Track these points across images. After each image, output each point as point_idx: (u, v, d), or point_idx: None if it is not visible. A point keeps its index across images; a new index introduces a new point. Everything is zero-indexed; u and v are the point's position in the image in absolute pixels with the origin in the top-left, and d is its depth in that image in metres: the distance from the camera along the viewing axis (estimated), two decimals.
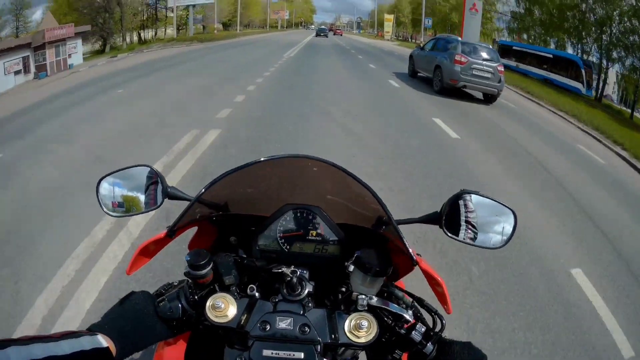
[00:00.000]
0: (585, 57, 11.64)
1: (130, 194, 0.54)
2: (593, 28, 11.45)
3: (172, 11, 14.48)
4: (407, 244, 0.44)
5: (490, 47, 7.06)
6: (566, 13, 12.24)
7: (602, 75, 11.03)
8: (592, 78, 10.78)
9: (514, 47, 12.84)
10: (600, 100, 10.85)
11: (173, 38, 13.49)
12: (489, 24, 21.69)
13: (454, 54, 6.25)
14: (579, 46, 12.15)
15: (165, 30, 14.81)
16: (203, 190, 0.47)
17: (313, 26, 72.06)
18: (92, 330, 0.39)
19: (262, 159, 0.47)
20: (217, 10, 18.12)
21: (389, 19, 31.32)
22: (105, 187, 0.54)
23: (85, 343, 0.37)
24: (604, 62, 11.31)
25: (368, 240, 0.51)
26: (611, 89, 11.49)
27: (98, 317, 0.41)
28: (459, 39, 6.84)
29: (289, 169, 0.53)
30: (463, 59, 6.17)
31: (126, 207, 0.54)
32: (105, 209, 0.54)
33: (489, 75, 6.30)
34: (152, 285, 0.53)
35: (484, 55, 6.41)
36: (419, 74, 8.13)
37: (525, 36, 14.88)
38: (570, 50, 12.50)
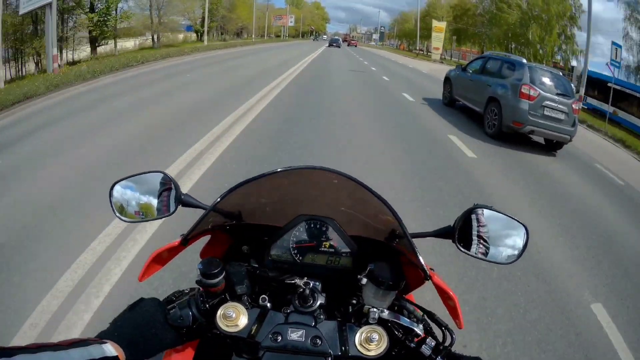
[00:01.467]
0: None
1: (143, 199, 0.83)
2: None
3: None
4: (420, 258, 0.72)
5: (561, 74, 7.50)
6: None
7: None
8: None
9: (612, 85, 12.03)
10: None
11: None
12: (569, 44, 24.21)
13: (519, 85, 6.58)
14: None
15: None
16: (219, 199, 0.75)
17: (325, 36, 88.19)
18: (101, 337, 0.60)
19: (279, 170, 0.73)
20: None
21: (440, 29, 32.24)
22: (118, 192, 0.83)
23: (94, 352, 0.54)
24: None
25: (380, 253, 0.80)
26: None
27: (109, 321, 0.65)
28: (524, 60, 7.20)
29: (304, 180, 0.83)
30: (532, 92, 6.48)
31: (138, 213, 0.82)
32: (117, 214, 0.83)
33: (562, 116, 6.56)
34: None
35: (556, 87, 6.73)
36: (457, 103, 9.05)
37: None
38: None
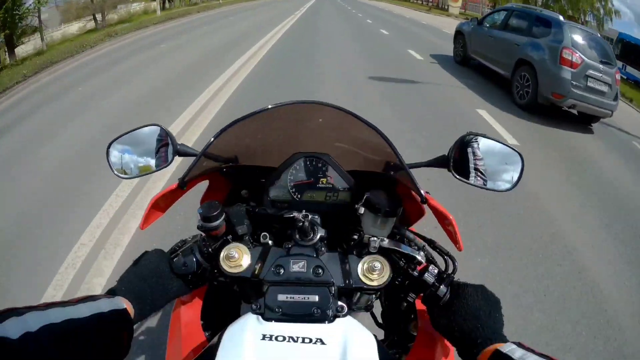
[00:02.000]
0: None
1: (141, 154, 0.98)
2: None
3: None
4: (416, 182, 0.85)
5: (600, 37, 7.10)
6: None
7: None
8: None
9: None
10: None
11: None
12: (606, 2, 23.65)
13: (559, 48, 6.29)
14: None
15: None
16: (212, 139, 0.87)
17: None
18: (110, 293, 0.72)
19: (269, 107, 0.84)
20: None
21: None
22: (116, 149, 0.98)
23: (103, 305, 0.65)
24: None
25: (377, 185, 0.94)
26: None
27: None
28: (561, 17, 6.95)
29: (297, 116, 0.97)
30: (575, 59, 6.20)
31: (137, 168, 0.98)
32: (115, 172, 0.98)
33: (605, 88, 6.39)
34: None
35: (598, 52, 6.48)
36: (472, 62, 9.17)
37: None
38: None
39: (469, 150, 0.93)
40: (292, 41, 12.05)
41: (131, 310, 0.72)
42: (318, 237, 0.85)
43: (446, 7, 33.52)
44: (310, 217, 0.85)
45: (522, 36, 7.19)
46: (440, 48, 12.09)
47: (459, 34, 9.85)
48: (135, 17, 22.01)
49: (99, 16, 20.53)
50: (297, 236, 0.84)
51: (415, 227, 1.01)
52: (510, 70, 7.21)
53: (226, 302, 0.90)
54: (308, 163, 1.00)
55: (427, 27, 19.76)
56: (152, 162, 0.98)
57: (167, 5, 27.54)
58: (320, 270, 0.78)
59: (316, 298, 0.74)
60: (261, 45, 10.85)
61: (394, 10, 31.82)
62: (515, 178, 0.94)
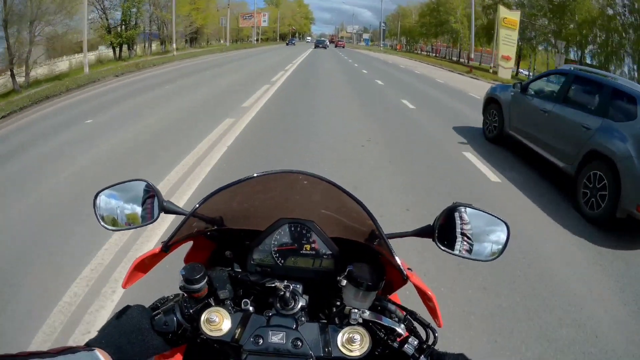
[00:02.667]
0: None
1: (127, 207, 1.21)
2: None
3: None
4: (397, 258, 1.05)
5: None
6: None
7: None
8: None
9: None
10: None
11: None
12: None
13: None
14: None
15: None
16: (197, 205, 1.11)
17: (309, 38, 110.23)
18: (90, 345, 0.89)
19: (255, 175, 1.08)
20: None
21: (511, 22, 29.54)
22: (102, 201, 1.22)
23: (82, 359, 0.75)
24: None
25: (362, 255, 1.14)
26: None
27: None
28: None
29: (282, 184, 1.20)
30: None
31: (123, 221, 1.21)
32: (102, 223, 1.21)
33: None
34: None
35: None
36: (511, 138, 8.38)
37: None
38: None
39: (456, 215, 1.14)
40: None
41: None
42: (299, 306, 1.04)
43: (493, 67, 31.73)
44: (291, 287, 1.05)
45: (593, 116, 6.22)
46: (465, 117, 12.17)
47: (491, 102, 9.23)
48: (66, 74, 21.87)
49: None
50: (278, 305, 1.04)
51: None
52: (575, 165, 6.18)
53: (206, 359, 1.07)
54: (292, 229, 1.20)
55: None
56: (139, 214, 1.21)
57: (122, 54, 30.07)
58: (299, 343, 0.96)
59: None
60: None
61: (408, 66, 36.38)
62: (501, 246, 1.15)
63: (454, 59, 50.48)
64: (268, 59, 33.62)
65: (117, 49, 30.48)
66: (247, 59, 32.37)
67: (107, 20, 29.75)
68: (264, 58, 34.35)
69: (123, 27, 30.89)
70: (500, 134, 8.78)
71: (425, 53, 65.62)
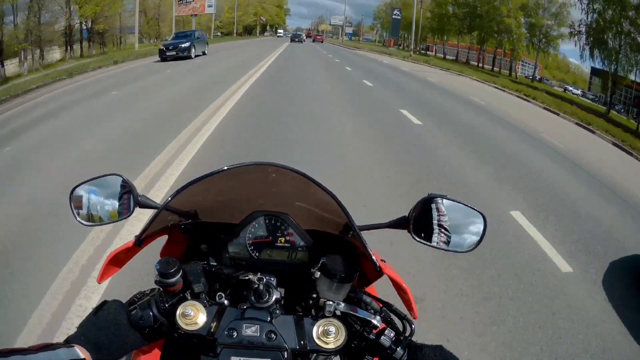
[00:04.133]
0: None
1: (104, 202, 1.21)
2: None
3: None
4: (370, 250, 1.06)
5: None
6: None
7: None
8: None
9: None
10: None
11: None
12: None
13: None
14: None
15: None
16: (169, 198, 1.10)
17: (281, 32, 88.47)
18: (69, 342, 0.90)
19: (225, 168, 1.06)
20: None
21: None
22: (78, 196, 1.21)
23: (62, 355, 0.79)
24: None
25: (337, 247, 1.15)
26: None
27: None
28: None
29: (256, 176, 1.19)
30: None
31: (99, 216, 1.21)
32: (78, 218, 1.20)
33: None
34: None
35: None
36: None
37: None
38: None
39: (433, 207, 1.14)
40: None
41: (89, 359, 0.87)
42: (273, 299, 1.04)
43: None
44: (265, 279, 1.05)
45: None
46: None
47: None
48: None
49: None
50: (253, 297, 1.04)
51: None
52: None
53: (184, 354, 1.08)
54: (267, 221, 1.21)
55: None
56: (116, 208, 1.20)
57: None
58: (273, 335, 0.97)
59: None
60: None
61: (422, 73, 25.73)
62: (478, 239, 1.15)
63: (493, 68, 36.49)
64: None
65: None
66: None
67: None
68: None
69: None
70: None
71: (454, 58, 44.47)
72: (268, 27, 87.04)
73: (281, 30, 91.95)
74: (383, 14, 76.10)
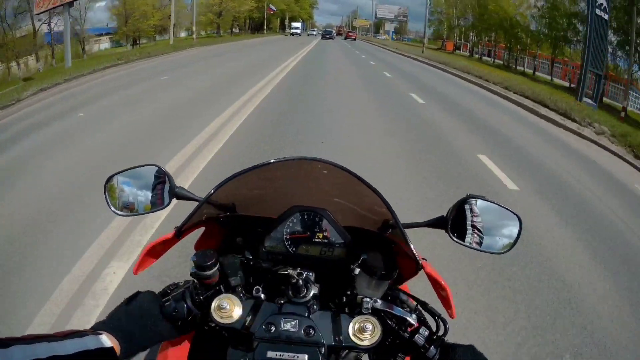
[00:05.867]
0: None
1: (138, 193, 1.21)
2: None
3: None
4: (413, 247, 1.06)
5: None
6: None
7: None
8: None
9: None
10: None
11: None
12: None
13: None
14: None
15: None
16: (212, 191, 1.10)
17: (298, 27, 72.79)
18: (97, 329, 0.86)
19: (271, 161, 1.07)
20: None
21: None
22: (113, 186, 1.22)
23: (89, 342, 0.77)
24: None
25: (374, 244, 1.16)
26: None
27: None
28: None
29: (297, 171, 1.20)
30: None
31: (134, 207, 1.21)
32: (112, 208, 1.21)
33: None
34: None
35: None
36: None
37: None
38: None
39: (467, 207, 1.15)
40: None
41: (117, 348, 0.86)
42: (311, 294, 1.04)
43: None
44: (304, 275, 1.05)
45: None
46: None
47: None
48: None
49: None
50: (290, 292, 1.04)
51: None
52: None
53: (214, 346, 1.08)
54: (305, 217, 1.21)
55: None
56: (150, 199, 1.21)
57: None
58: (311, 331, 0.97)
59: (305, 357, 0.93)
60: None
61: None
62: (512, 240, 1.16)
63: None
64: None
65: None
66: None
67: None
68: None
69: None
70: None
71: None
72: (287, 22, 71.82)
73: (297, 24, 74.08)
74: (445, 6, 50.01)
